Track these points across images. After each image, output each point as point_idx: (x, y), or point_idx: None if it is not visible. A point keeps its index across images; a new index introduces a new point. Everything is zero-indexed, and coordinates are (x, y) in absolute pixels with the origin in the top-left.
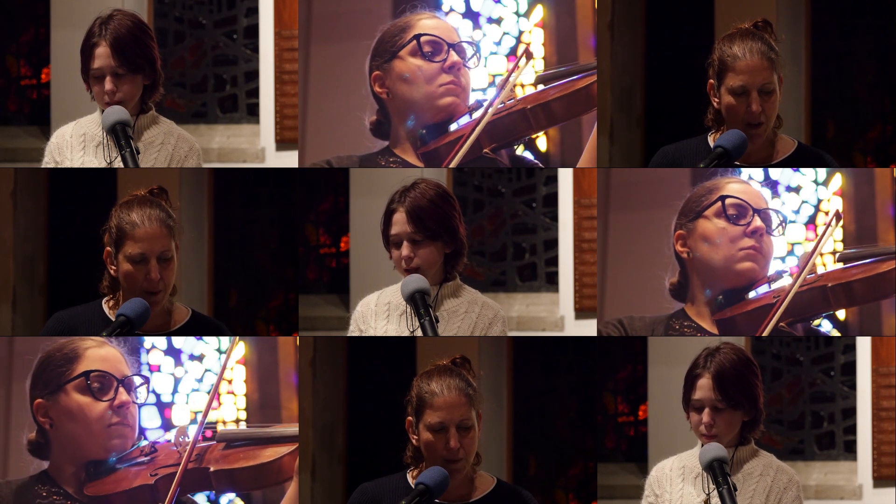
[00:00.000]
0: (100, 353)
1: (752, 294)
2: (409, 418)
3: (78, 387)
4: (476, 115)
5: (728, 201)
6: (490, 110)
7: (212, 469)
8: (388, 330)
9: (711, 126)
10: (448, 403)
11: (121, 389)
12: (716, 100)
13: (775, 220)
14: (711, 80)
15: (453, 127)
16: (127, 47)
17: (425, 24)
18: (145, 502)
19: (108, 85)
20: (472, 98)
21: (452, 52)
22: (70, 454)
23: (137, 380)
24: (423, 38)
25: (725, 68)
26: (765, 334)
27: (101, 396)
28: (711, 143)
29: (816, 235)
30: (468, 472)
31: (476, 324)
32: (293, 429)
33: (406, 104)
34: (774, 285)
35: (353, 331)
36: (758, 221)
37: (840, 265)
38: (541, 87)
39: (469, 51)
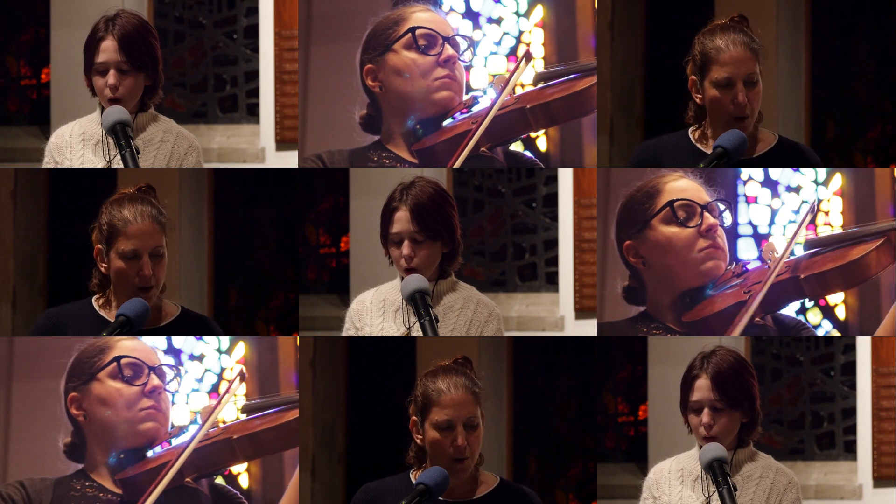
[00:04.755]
0: (130, 344)
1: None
2: (414, 418)
3: (110, 373)
4: (474, 109)
5: (677, 205)
6: (492, 111)
7: (235, 437)
8: (384, 327)
9: (692, 123)
10: (455, 401)
11: (152, 375)
12: (698, 96)
13: (721, 208)
14: (693, 77)
15: (447, 122)
16: (133, 44)
17: (419, 16)
18: (174, 476)
19: (111, 79)
20: (467, 93)
21: (447, 46)
22: (104, 444)
23: (169, 372)
24: (418, 31)
25: (709, 61)
26: (735, 334)
27: (133, 382)
28: (692, 139)
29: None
30: (472, 471)
31: (472, 321)
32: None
33: (399, 98)
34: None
35: (349, 328)
36: (709, 219)
37: (540, 85)
38: (540, 85)
39: (463, 44)
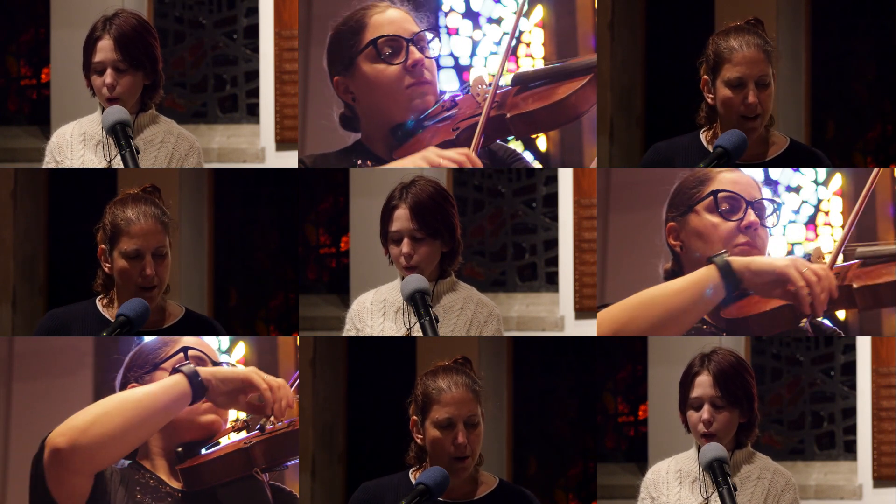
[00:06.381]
0: (191, 339)
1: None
2: (414, 417)
3: (175, 363)
4: (453, 111)
5: (721, 196)
6: (482, 122)
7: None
8: (385, 328)
9: (704, 123)
10: (456, 399)
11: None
12: (710, 96)
13: (769, 209)
14: (705, 77)
15: (430, 123)
16: (130, 42)
17: (379, 20)
18: (241, 465)
19: (108, 78)
20: (441, 87)
21: (413, 49)
22: (164, 435)
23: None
24: (380, 42)
25: (722, 61)
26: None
27: None
28: (703, 140)
29: (817, 235)
30: (472, 471)
31: (472, 321)
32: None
33: (374, 109)
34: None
35: (350, 329)
36: (751, 216)
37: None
38: (517, 88)
39: (429, 36)
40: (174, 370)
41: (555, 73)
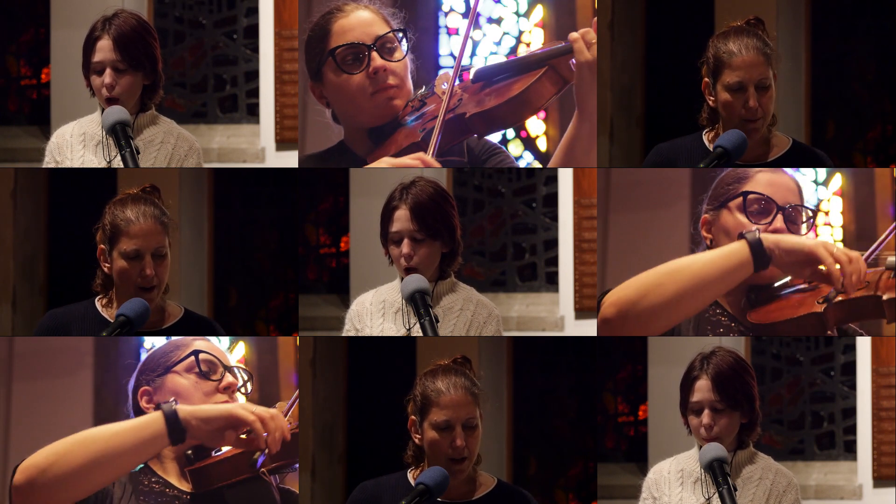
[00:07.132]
0: (203, 343)
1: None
2: (413, 417)
3: (187, 367)
4: (424, 110)
5: (750, 198)
6: (437, 127)
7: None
8: (385, 328)
9: (706, 125)
10: (454, 402)
11: (227, 374)
12: (711, 98)
13: (803, 216)
14: (706, 79)
15: (407, 122)
16: (129, 42)
17: (341, 26)
18: (249, 466)
19: (107, 78)
20: (413, 82)
21: (374, 56)
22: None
23: (241, 377)
24: (337, 53)
25: (721, 65)
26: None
27: (209, 377)
28: (706, 141)
29: (817, 235)
30: (469, 472)
31: (471, 322)
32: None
33: (345, 115)
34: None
35: (349, 330)
36: (779, 222)
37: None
38: (480, 84)
39: (397, 37)
40: (157, 407)
41: (514, 67)
